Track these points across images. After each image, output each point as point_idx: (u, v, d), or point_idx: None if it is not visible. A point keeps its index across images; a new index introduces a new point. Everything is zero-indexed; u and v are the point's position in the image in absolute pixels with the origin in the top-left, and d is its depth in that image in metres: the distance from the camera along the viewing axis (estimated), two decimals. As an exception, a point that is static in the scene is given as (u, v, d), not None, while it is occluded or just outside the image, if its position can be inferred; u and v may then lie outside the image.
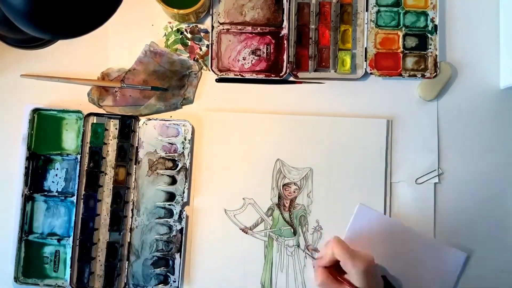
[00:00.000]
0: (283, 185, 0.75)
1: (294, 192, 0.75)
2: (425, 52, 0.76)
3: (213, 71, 0.75)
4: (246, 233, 0.74)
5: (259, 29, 0.76)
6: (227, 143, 0.75)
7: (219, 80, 0.76)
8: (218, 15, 0.76)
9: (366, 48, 0.76)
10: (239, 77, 0.75)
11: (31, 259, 0.73)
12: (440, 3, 0.77)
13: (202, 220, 0.74)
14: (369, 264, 0.63)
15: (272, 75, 0.75)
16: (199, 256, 0.74)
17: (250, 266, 0.73)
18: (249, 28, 0.76)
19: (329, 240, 0.68)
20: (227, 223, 0.74)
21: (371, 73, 0.75)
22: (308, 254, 0.73)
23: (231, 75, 0.75)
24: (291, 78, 0.76)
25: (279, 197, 0.75)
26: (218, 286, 0.73)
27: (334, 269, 0.66)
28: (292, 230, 0.74)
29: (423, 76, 0.75)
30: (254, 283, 0.73)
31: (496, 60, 0.77)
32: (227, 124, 0.75)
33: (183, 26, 0.77)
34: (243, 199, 0.74)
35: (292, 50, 0.75)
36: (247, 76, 0.75)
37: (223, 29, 0.76)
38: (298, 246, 0.74)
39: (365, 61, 0.76)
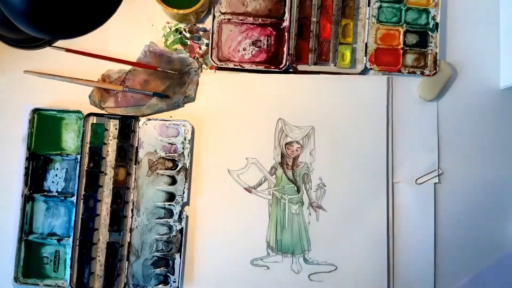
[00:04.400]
0: (286, 144, 0.75)
1: (296, 150, 0.75)
2: (425, 50, 0.76)
3: (212, 60, 0.75)
4: (250, 192, 0.74)
5: (260, 20, 0.76)
6: (229, 104, 0.75)
7: (218, 69, 0.76)
8: (220, 4, 0.76)
9: (366, 43, 0.76)
10: (239, 67, 0.76)
11: (31, 259, 0.73)
12: (442, 2, 0.76)
13: (202, 218, 0.74)
14: None
15: (272, 67, 0.75)
16: (199, 256, 0.74)
17: (255, 225, 0.74)
18: (251, 19, 0.76)
19: None
20: (231, 183, 0.74)
21: (370, 68, 0.76)
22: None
23: (231, 65, 0.75)
24: (291, 71, 0.76)
25: (282, 156, 0.75)
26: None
27: None
28: (295, 188, 0.75)
29: (422, 73, 0.75)
30: (260, 241, 0.73)
31: (496, 60, 0.77)
32: (228, 85, 0.75)
33: (182, 25, 0.77)
34: (246, 158, 0.75)
35: (292, 42, 0.76)
36: (247, 67, 0.75)
37: (224, 19, 0.76)
38: (302, 203, 0.74)
39: (365, 56, 0.76)
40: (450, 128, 0.76)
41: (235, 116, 0.75)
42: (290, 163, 0.75)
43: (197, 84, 0.76)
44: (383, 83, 0.76)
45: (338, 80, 0.76)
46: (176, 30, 0.77)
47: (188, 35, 0.77)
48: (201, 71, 0.76)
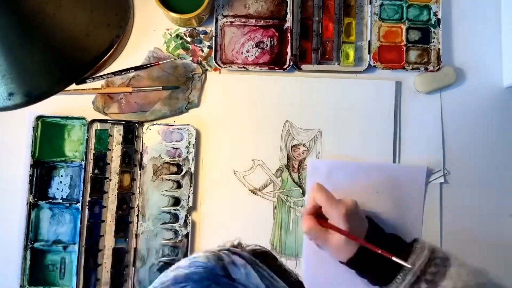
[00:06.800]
0: (292, 147, 0.75)
1: (303, 153, 0.75)
2: (428, 46, 0.77)
3: (216, 63, 0.75)
4: (255, 194, 0.74)
5: (262, 22, 0.76)
6: (235, 105, 0.75)
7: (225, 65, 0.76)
8: (222, 7, 0.76)
9: (369, 41, 0.76)
10: (243, 69, 0.76)
11: (36, 267, 0.73)
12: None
13: (208, 221, 0.74)
14: (351, 207, 0.64)
15: (276, 68, 0.75)
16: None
17: (259, 227, 0.74)
18: (253, 21, 0.76)
19: (311, 187, 0.68)
20: (236, 184, 0.74)
21: (374, 66, 0.76)
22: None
23: (235, 68, 0.76)
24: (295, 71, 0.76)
25: (288, 159, 0.75)
26: None
27: (320, 217, 0.66)
28: (301, 190, 0.75)
29: (426, 69, 0.76)
30: (264, 243, 0.73)
31: (499, 59, 0.77)
32: (234, 86, 0.75)
33: (182, 30, 0.77)
34: (252, 160, 0.74)
35: (295, 43, 0.76)
36: (251, 68, 0.76)
37: (227, 21, 0.76)
38: None
39: (369, 54, 0.76)
40: (455, 128, 0.76)
41: (242, 118, 0.75)
42: (296, 166, 0.75)
43: (201, 90, 0.76)
44: (391, 87, 0.75)
45: (346, 83, 0.76)
46: (177, 35, 0.76)
47: (189, 39, 0.77)
48: (205, 76, 0.76)
